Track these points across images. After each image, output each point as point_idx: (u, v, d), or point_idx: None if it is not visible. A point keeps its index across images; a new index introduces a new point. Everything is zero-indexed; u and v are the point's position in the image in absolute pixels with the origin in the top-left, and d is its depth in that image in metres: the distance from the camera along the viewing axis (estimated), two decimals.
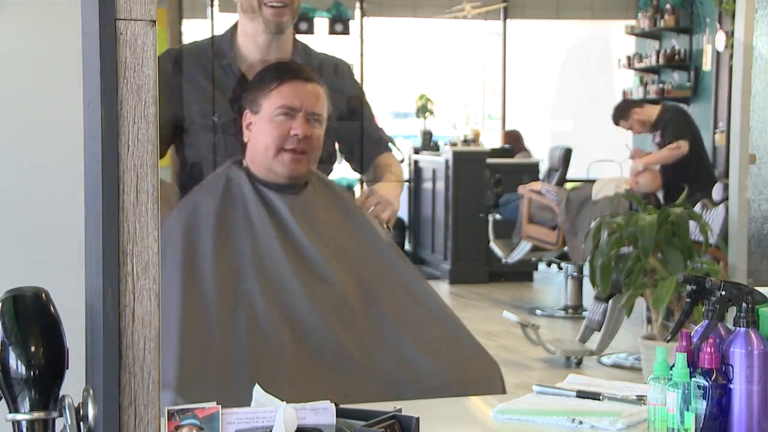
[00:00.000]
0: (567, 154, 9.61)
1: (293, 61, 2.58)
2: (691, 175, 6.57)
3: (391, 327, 2.38)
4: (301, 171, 2.48)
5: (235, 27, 2.65)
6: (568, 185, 8.58)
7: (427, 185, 9.62)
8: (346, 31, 9.27)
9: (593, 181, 7.41)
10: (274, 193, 2.47)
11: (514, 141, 9.66)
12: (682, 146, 6.73)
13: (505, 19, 11.13)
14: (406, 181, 10.14)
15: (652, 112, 7.08)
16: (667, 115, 7.05)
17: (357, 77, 2.89)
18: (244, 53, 2.62)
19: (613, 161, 10.86)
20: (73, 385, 1.27)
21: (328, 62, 2.75)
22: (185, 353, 2.18)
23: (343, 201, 2.58)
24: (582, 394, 1.95)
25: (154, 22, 1.22)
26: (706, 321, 1.68)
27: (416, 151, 9.95)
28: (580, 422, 1.82)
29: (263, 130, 2.46)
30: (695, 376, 1.63)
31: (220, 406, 1.46)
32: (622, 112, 7.16)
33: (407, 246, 10.07)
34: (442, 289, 8.71)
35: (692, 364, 1.64)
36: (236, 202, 2.44)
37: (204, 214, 2.41)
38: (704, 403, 1.62)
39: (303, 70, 2.51)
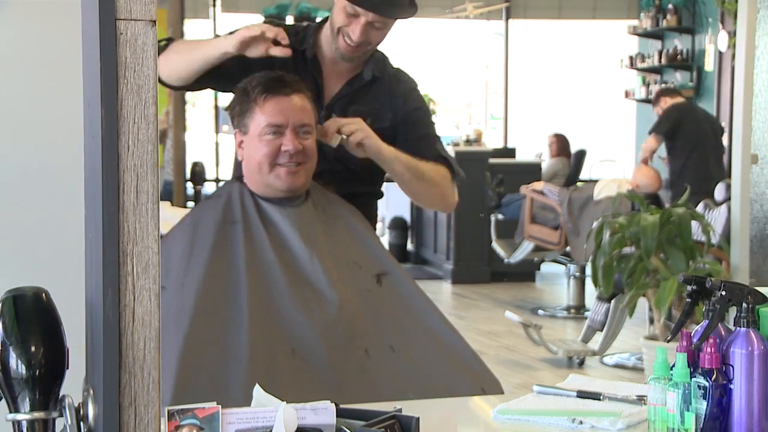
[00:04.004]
0: (580, 155, 9.62)
1: (270, 73, 2.52)
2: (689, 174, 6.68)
3: (391, 341, 2.37)
4: (298, 183, 2.46)
5: (323, 24, 2.69)
6: (578, 185, 8.61)
7: None
8: None
9: (596, 181, 7.42)
10: (274, 207, 2.45)
11: (560, 145, 9.63)
12: (647, 141, 6.86)
13: (507, 18, 11.13)
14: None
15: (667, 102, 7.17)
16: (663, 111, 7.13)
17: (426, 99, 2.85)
18: (323, 48, 2.67)
19: (615, 161, 10.89)
20: (73, 385, 1.27)
21: (393, 78, 2.74)
22: (180, 366, 2.18)
23: (343, 212, 2.57)
24: (582, 394, 1.95)
25: (154, 22, 1.22)
26: (707, 321, 1.68)
27: None
28: (581, 422, 1.82)
29: (254, 148, 2.44)
30: (696, 376, 1.63)
31: (220, 406, 1.46)
32: (655, 100, 7.38)
33: (409, 246, 10.07)
34: (445, 289, 8.72)
35: (693, 364, 1.64)
36: (236, 218, 2.43)
37: (204, 229, 2.40)
38: (704, 403, 1.62)
39: (284, 83, 2.47)
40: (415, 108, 2.76)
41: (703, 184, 6.74)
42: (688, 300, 1.74)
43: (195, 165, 9.39)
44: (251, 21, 2.80)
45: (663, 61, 10.32)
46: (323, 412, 1.51)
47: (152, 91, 1.22)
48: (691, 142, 6.91)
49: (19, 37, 1.93)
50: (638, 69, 10.82)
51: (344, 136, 2.51)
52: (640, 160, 6.91)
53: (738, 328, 1.65)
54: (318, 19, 2.76)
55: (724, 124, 9.16)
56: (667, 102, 7.16)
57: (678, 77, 10.24)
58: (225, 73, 2.58)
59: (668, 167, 7.01)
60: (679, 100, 7.31)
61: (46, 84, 1.92)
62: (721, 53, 9.34)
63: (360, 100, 2.67)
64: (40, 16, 1.92)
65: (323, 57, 2.68)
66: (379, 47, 2.72)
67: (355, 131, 2.52)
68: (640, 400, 1.89)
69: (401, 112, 2.71)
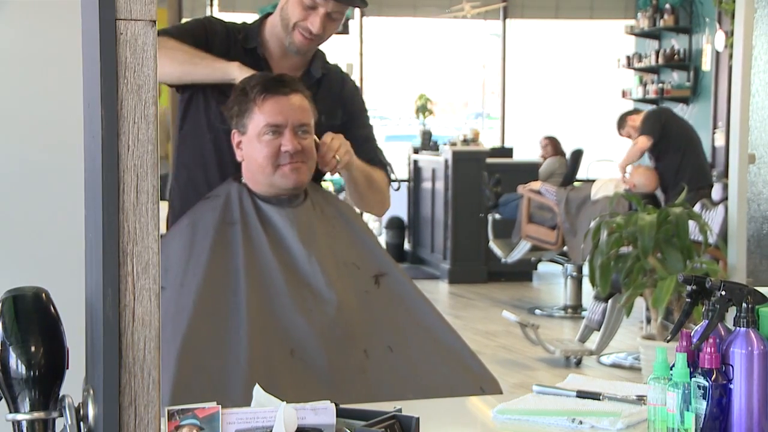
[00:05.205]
0: (577, 155, 9.63)
1: (268, 73, 2.53)
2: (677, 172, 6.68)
3: (389, 342, 2.36)
4: (303, 179, 2.46)
5: (263, 21, 2.67)
6: (575, 185, 8.63)
7: (427, 185, 9.63)
8: (345, 31, 9.27)
9: (593, 181, 7.42)
10: (273, 208, 2.45)
11: (551, 146, 9.66)
12: (639, 141, 6.84)
13: (504, 18, 11.13)
14: (405, 180, 10.13)
15: (640, 117, 7.19)
16: (645, 115, 7.15)
17: (364, 96, 2.87)
18: (269, 46, 2.65)
19: (612, 161, 10.90)
20: (73, 385, 1.27)
21: (337, 75, 2.75)
22: (178, 368, 2.18)
23: (342, 213, 2.57)
24: (582, 394, 1.95)
25: (154, 22, 1.22)
26: (706, 321, 1.68)
27: (416, 151, 9.95)
28: (580, 422, 1.82)
29: (254, 149, 2.43)
30: (695, 376, 1.63)
31: (220, 406, 1.46)
32: (619, 123, 7.47)
33: (407, 245, 10.07)
34: (442, 288, 8.72)
35: (692, 364, 1.64)
36: (235, 218, 2.42)
37: (203, 229, 2.40)
38: (704, 403, 1.62)
39: (282, 83, 2.47)
40: (361, 109, 2.77)
41: (702, 179, 6.75)
42: (688, 300, 1.73)
43: None
44: (249, 20, 2.78)
45: (660, 60, 10.32)
46: (323, 412, 1.51)
47: (152, 91, 1.22)
48: (683, 138, 6.90)
49: (19, 37, 1.93)
50: (635, 69, 10.82)
51: (338, 159, 2.53)
52: (627, 164, 6.90)
53: (738, 328, 1.65)
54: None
55: (721, 123, 9.18)
56: (634, 119, 7.21)
57: (675, 77, 10.24)
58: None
59: (660, 170, 6.95)
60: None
61: (46, 84, 1.92)
62: (718, 53, 9.35)
63: (313, 96, 2.65)
64: (40, 16, 1.92)
65: (270, 55, 2.65)
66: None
67: (345, 153, 2.54)
68: (640, 400, 1.89)
69: (348, 111, 2.71)
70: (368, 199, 2.74)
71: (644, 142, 6.84)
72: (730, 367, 1.63)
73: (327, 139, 2.54)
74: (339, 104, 2.70)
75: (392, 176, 2.78)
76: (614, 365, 5.87)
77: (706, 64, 9.59)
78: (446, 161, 9.01)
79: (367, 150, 2.70)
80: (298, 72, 2.65)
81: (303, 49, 2.61)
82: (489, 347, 6.26)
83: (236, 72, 2.51)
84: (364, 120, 2.76)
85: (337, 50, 2.83)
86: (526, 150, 10.65)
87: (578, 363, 5.89)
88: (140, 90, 1.21)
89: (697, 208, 5.55)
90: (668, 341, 2.01)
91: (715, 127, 9.40)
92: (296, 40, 2.59)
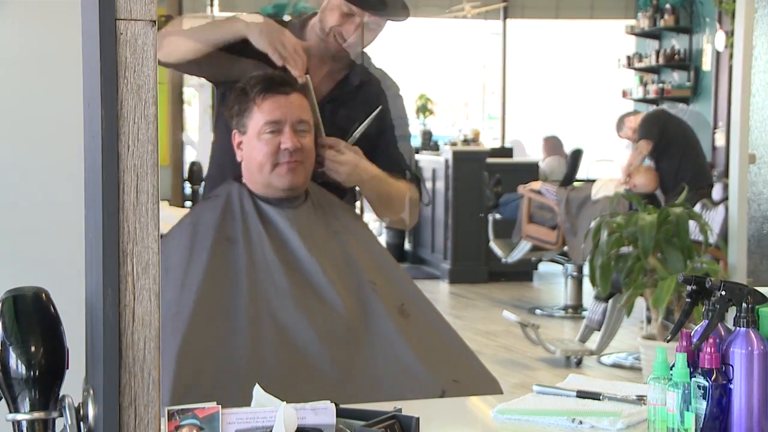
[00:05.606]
0: (577, 155, 9.64)
1: (269, 72, 2.52)
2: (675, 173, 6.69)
3: (391, 341, 2.37)
4: (299, 181, 2.46)
5: (308, 19, 2.66)
6: (575, 184, 8.63)
7: (427, 185, 9.62)
8: None
9: (593, 181, 7.42)
10: (273, 208, 2.45)
11: (553, 146, 9.66)
12: (639, 146, 6.84)
13: (504, 18, 11.13)
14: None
15: (638, 118, 7.20)
16: (643, 119, 7.16)
17: (405, 105, 2.83)
18: (310, 50, 2.63)
19: (613, 161, 10.91)
20: (73, 385, 1.27)
21: (383, 82, 2.73)
22: (178, 368, 2.18)
23: (343, 214, 2.57)
24: (582, 394, 1.95)
25: (154, 22, 1.22)
26: (706, 321, 1.68)
27: (416, 151, 9.95)
28: (580, 422, 1.82)
29: (254, 148, 2.44)
30: (695, 376, 1.63)
31: (220, 406, 1.46)
32: (618, 124, 7.48)
33: (407, 245, 10.07)
34: (442, 288, 8.71)
35: (692, 364, 1.64)
36: (236, 218, 2.43)
37: (204, 229, 2.40)
38: (704, 403, 1.62)
39: (283, 82, 2.47)
40: (399, 116, 2.74)
41: (702, 179, 6.74)
42: (688, 300, 1.73)
43: (192, 165, 9.39)
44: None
45: (660, 60, 10.32)
46: (323, 412, 1.51)
47: (152, 91, 1.22)
48: (682, 139, 6.91)
49: (19, 37, 1.93)
50: (636, 69, 10.82)
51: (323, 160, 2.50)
52: (630, 169, 6.90)
53: (738, 328, 1.65)
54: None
55: (722, 123, 9.18)
56: (632, 120, 7.22)
57: (675, 77, 10.24)
58: (214, 61, 2.57)
59: (661, 171, 6.94)
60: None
61: (46, 84, 1.92)
62: (718, 53, 9.34)
63: (348, 104, 2.64)
64: (40, 16, 1.92)
65: (309, 58, 2.62)
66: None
67: (340, 171, 2.51)
68: (640, 400, 1.89)
69: (386, 119, 2.69)
70: (383, 215, 2.74)
71: (645, 146, 6.84)
72: (730, 367, 1.63)
73: (341, 146, 2.52)
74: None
75: (423, 193, 2.73)
76: (615, 365, 5.87)
77: (707, 64, 9.59)
78: (446, 161, 9.02)
79: (401, 161, 2.67)
80: (336, 77, 2.63)
81: (338, 56, 2.61)
82: (489, 347, 6.26)
83: (240, 25, 2.50)
84: (400, 127, 2.72)
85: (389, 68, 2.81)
86: (527, 150, 10.65)
87: (579, 363, 5.88)
88: (140, 90, 1.21)
89: (697, 208, 5.54)
90: (668, 341, 2.01)
91: (715, 127, 9.40)
92: (331, 46, 2.59)
